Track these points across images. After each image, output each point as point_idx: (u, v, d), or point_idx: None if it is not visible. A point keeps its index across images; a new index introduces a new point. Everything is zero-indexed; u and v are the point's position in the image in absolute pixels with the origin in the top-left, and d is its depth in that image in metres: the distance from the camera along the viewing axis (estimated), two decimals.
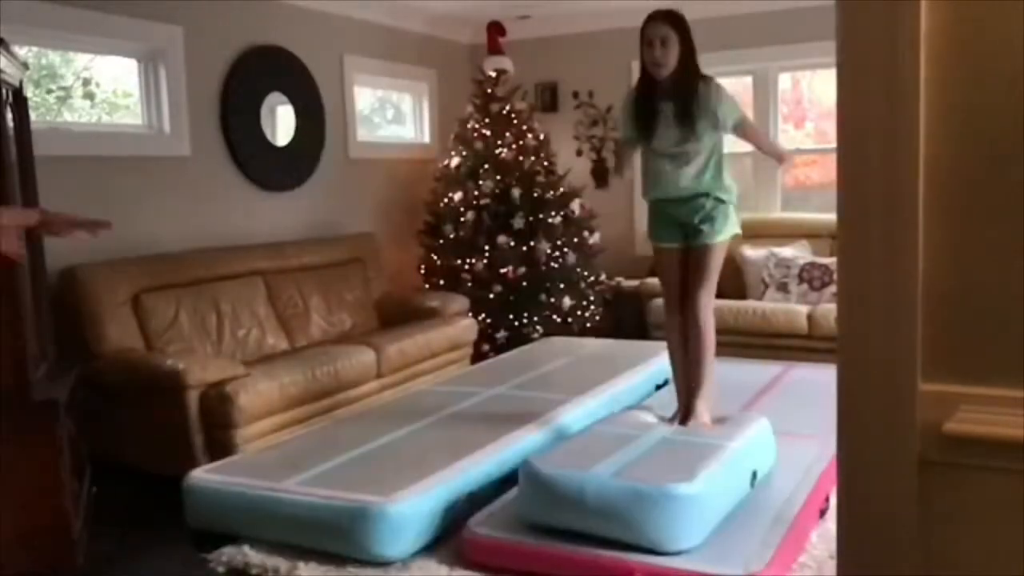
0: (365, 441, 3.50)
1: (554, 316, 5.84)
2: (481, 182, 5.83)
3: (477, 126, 6.00)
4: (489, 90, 6.08)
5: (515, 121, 5.99)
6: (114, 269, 4.14)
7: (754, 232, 5.78)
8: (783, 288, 5.67)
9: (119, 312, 4.09)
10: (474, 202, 5.84)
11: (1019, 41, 1.04)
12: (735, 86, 5.39)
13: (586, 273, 5.97)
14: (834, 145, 1.14)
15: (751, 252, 5.86)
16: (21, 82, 3.37)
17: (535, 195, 5.81)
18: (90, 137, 4.45)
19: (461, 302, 5.62)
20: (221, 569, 2.93)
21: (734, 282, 5.67)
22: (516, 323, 5.79)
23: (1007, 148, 1.06)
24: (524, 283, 5.73)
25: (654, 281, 5.73)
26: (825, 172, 6.44)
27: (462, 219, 5.83)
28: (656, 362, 4.53)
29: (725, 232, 3.40)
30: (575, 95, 6.78)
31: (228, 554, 2.96)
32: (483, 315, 5.75)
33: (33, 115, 3.55)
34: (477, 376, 4.62)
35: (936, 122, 1.08)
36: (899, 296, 1.11)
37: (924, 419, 1.11)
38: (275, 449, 3.58)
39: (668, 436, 3.21)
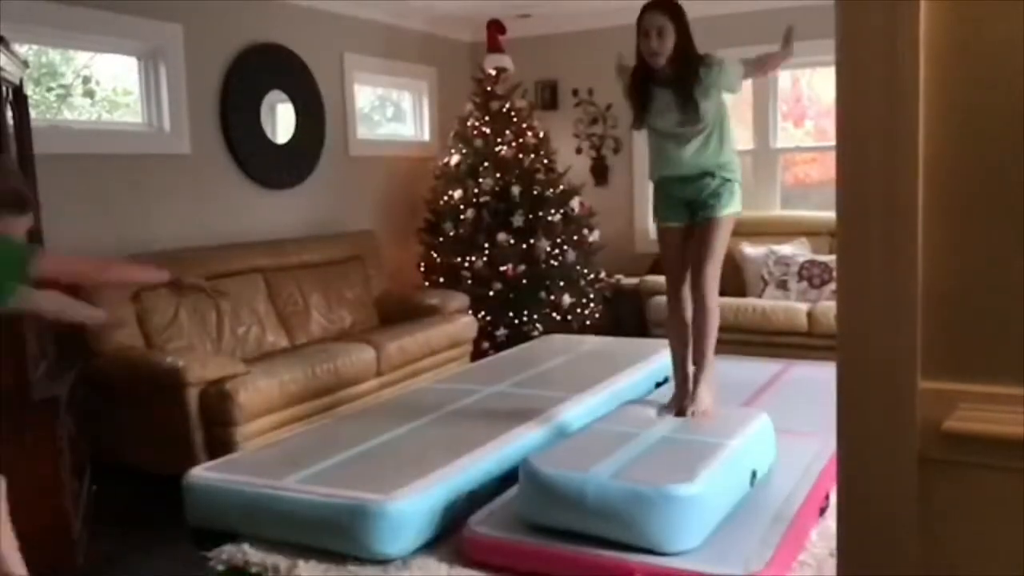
0: (365, 439, 3.50)
1: (554, 314, 5.85)
2: (481, 180, 5.84)
3: (477, 124, 6.00)
4: (489, 88, 6.08)
5: (515, 119, 5.99)
6: None
7: (754, 230, 5.79)
8: (783, 286, 5.67)
9: (119, 310, 4.09)
10: (474, 200, 5.84)
11: (1019, 41, 1.04)
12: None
13: (586, 271, 5.98)
14: (833, 143, 1.14)
15: (750, 250, 5.86)
16: (21, 80, 3.37)
17: (535, 193, 5.81)
18: (90, 135, 4.45)
19: (461, 300, 5.62)
20: (221, 567, 2.93)
21: (734, 280, 5.67)
22: (516, 321, 5.79)
23: (1007, 148, 1.06)
24: (524, 281, 5.73)
25: (654, 278, 5.74)
26: (824, 170, 6.45)
27: (462, 217, 5.83)
28: (656, 359, 4.53)
29: (731, 207, 3.41)
30: (575, 93, 6.78)
31: (228, 552, 2.96)
32: (483, 313, 5.76)
33: (33, 113, 3.56)
34: (477, 374, 4.62)
35: (936, 122, 1.08)
36: (899, 294, 1.12)
37: (924, 417, 1.12)
38: (275, 447, 3.58)
39: (668, 434, 3.21)
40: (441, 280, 5.96)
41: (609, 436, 3.20)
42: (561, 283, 5.83)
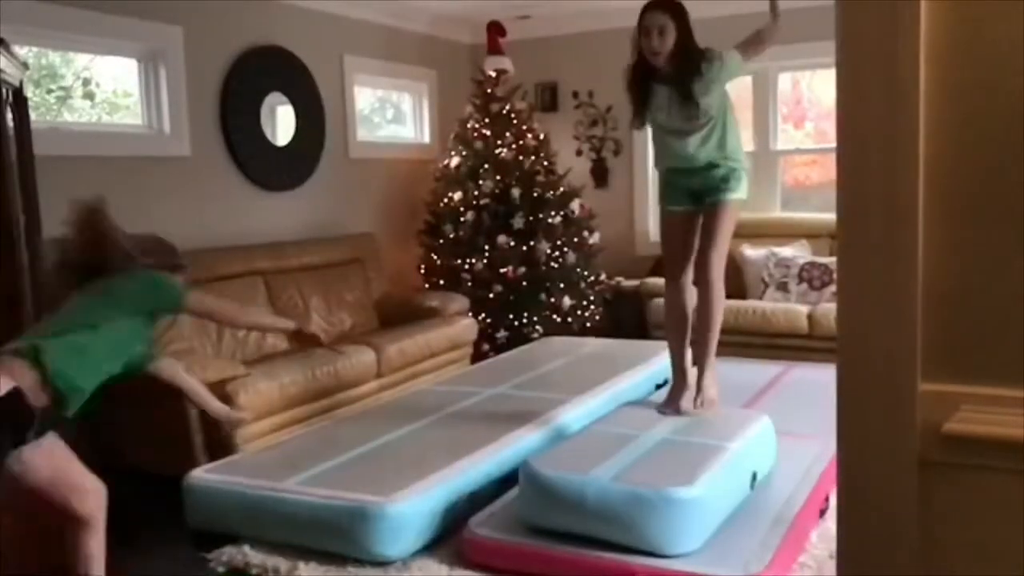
0: (365, 441, 3.50)
1: (554, 316, 5.84)
2: (481, 182, 5.84)
3: (477, 126, 6.00)
4: (489, 90, 6.08)
5: (515, 121, 5.99)
6: None
7: (754, 232, 5.79)
8: (783, 288, 5.67)
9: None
10: (474, 202, 5.84)
11: (1019, 41, 1.04)
12: (735, 86, 5.39)
13: (586, 273, 5.97)
14: (834, 145, 1.14)
15: (751, 252, 5.86)
16: (21, 82, 3.37)
17: (535, 195, 5.81)
18: (90, 137, 4.45)
19: (461, 302, 5.62)
20: (221, 569, 2.93)
21: (734, 282, 5.66)
22: (516, 323, 5.79)
23: (1007, 148, 1.06)
24: (524, 283, 5.73)
25: (654, 281, 5.74)
26: (825, 172, 6.45)
27: (462, 219, 5.83)
28: (656, 361, 4.53)
29: (738, 192, 3.41)
30: (575, 95, 6.78)
31: (228, 554, 2.96)
32: (483, 315, 5.75)
33: (33, 115, 3.55)
34: (477, 376, 4.62)
35: (936, 123, 1.08)
36: (899, 296, 1.11)
37: (924, 419, 1.11)
38: (275, 449, 3.58)
39: (668, 436, 3.21)
40: (441, 282, 5.96)
41: (609, 438, 3.20)
42: (561, 285, 5.83)
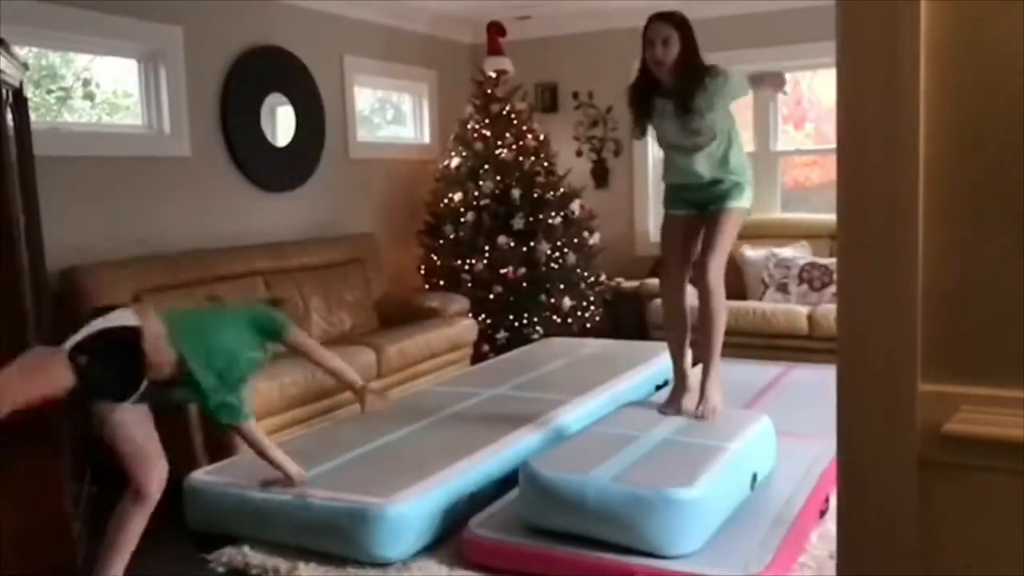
0: (365, 442, 3.50)
1: (554, 317, 5.84)
2: (481, 182, 5.84)
3: (477, 126, 6.00)
4: (489, 90, 6.08)
5: (515, 121, 5.99)
6: (115, 269, 4.13)
7: (754, 232, 5.78)
8: (783, 288, 5.67)
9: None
10: (474, 203, 5.84)
11: (1019, 41, 1.04)
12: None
13: (586, 274, 5.97)
14: (834, 145, 1.14)
15: (751, 252, 5.86)
16: (21, 82, 3.36)
17: (535, 196, 5.81)
18: (90, 137, 4.45)
19: (461, 302, 5.62)
20: (221, 569, 2.93)
21: (734, 283, 5.65)
22: (516, 324, 5.79)
23: (1008, 148, 1.06)
24: (524, 284, 5.73)
25: (654, 281, 5.73)
26: (825, 172, 6.44)
27: (462, 219, 5.83)
28: (656, 362, 4.53)
29: (743, 200, 3.43)
30: (575, 95, 6.78)
31: (228, 555, 2.97)
32: (483, 316, 5.75)
33: (33, 115, 3.55)
34: (477, 377, 4.62)
35: (937, 123, 1.08)
36: (899, 296, 1.11)
37: (924, 419, 1.11)
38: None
39: (668, 437, 3.21)
40: (441, 283, 5.96)
41: (609, 439, 3.19)
42: (561, 286, 5.83)
